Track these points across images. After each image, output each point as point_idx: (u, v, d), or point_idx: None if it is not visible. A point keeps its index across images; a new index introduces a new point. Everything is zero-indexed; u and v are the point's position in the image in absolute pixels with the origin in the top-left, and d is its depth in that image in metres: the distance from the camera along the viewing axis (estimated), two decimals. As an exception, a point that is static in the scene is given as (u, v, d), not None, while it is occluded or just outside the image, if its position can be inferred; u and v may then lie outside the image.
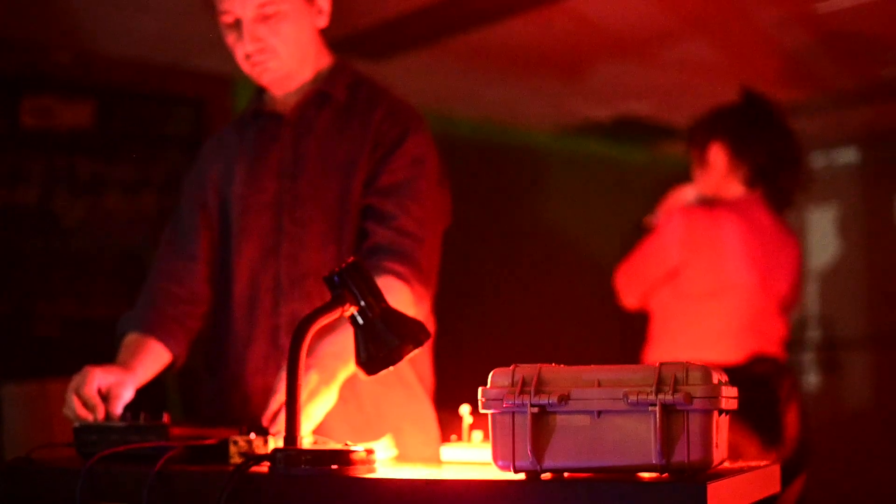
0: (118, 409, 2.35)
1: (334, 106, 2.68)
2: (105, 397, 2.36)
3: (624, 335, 4.68)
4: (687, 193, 4.13)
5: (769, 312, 3.94)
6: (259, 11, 2.54)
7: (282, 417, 2.19)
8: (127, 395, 2.39)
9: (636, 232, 4.25)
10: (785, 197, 4.04)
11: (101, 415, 2.31)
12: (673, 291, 3.96)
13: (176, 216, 2.80)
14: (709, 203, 4.01)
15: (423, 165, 2.62)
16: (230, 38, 2.60)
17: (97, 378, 2.35)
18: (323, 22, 2.66)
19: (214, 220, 2.74)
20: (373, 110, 2.66)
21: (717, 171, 4.01)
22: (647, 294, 4.05)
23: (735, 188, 3.99)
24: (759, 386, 3.74)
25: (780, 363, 3.93)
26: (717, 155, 3.99)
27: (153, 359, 2.58)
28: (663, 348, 3.95)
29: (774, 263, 3.96)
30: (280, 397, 2.22)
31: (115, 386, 2.37)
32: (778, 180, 3.99)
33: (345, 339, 2.25)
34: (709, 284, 3.89)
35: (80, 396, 2.33)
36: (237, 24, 2.56)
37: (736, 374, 3.65)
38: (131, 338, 2.60)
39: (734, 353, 3.81)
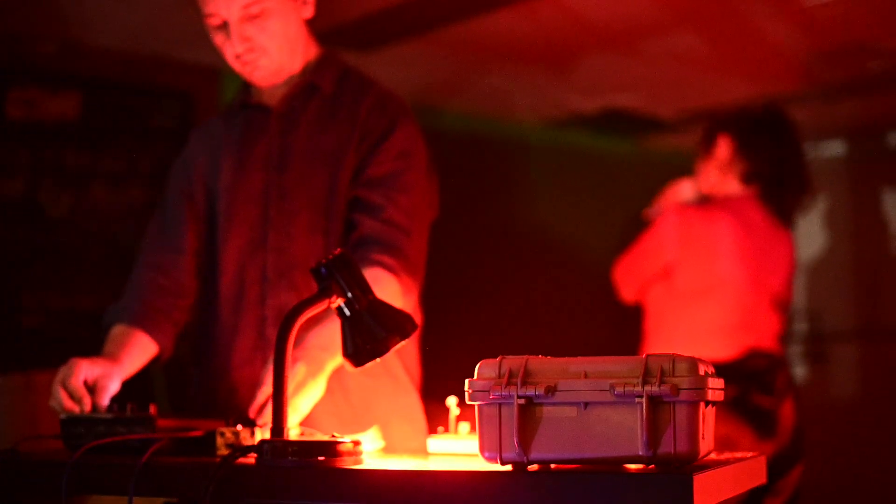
0: (105, 400, 2.35)
1: (322, 97, 2.68)
2: (92, 389, 2.36)
3: (617, 328, 4.69)
4: (684, 188, 4.17)
5: (762, 308, 3.98)
6: (245, 12, 2.53)
7: (269, 409, 2.19)
8: (113, 386, 2.38)
9: (634, 225, 4.28)
10: (789, 215, 4.11)
11: (87, 406, 2.31)
12: (667, 288, 4.02)
13: (162, 208, 2.79)
14: (703, 201, 4.07)
15: (410, 157, 2.62)
16: (218, 39, 2.59)
17: (84, 370, 2.35)
18: (309, 12, 2.66)
19: (201, 211, 2.73)
20: (360, 102, 2.65)
21: (719, 163, 4.06)
22: (643, 289, 4.11)
23: (732, 184, 4.04)
24: (753, 380, 3.77)
25: (776, 357, 3.96)
26: (723, 147, 4.06)
27: (140, 351, 2.57)
28: (659, 345, 4.00)
29: (767, 260, 4.00)
30: (267, 389, 2.22)
31: (101, 378, 2.37)
32: (783, 199, 4.06)
33: (332, 330, 2.25)
34: (701, 281, 3.94)
35: (66, 388, 2.32)
36: (224, 26, 2.56)
37: (730, 369, 3.68)
38: (118, 330, 2.59)
39: (728, 349, 3.85)
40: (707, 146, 4.12)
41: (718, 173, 4.07)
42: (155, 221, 2.79)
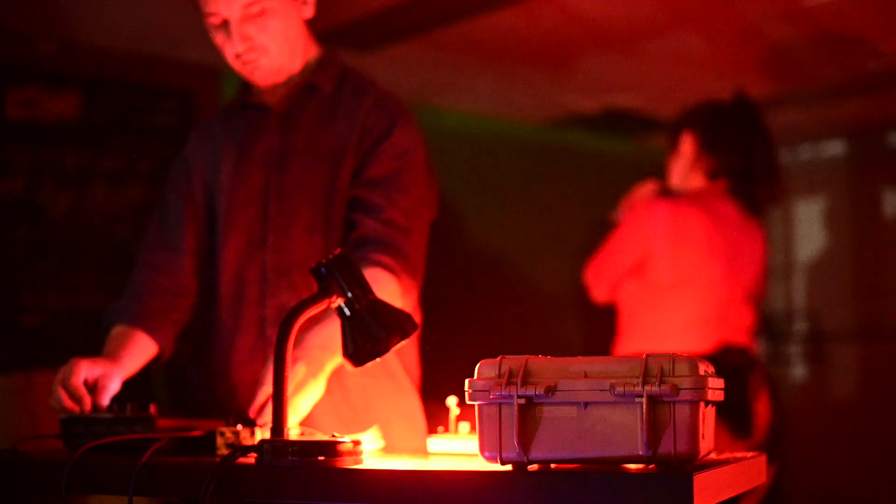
0: (105, 400, 2.35)
1: (321, 98, 2.68)
2: (92, 389, 2.36)
3: (597, 328, 4.69)
4: (649, 188, 4.17)
5: (736, 303, 3.98)
6: (245, 11, 2.53)
7: (269, 409, 2.19)
8: (114, 386, 2.39)
9: (602, 227, 4.29)
10: (759, 206, 4.10)
11: (87, 406, 2.31)
12: (639, 284, 4.01)
13: (161, 207, 2.79)
14: (671, 195, 4.06)
15: (410, 157, 2.62)
16: (218, 39, 2.59)
17: (84, 370, 2.35)
18: (309, 12, 2.66)
19: (200, 211, 2.73)
20: (360, 102, 2.66)
21: (685, 161, 4.06)
22: (615, 288, 4.10)
23: (699, 179, 4.04)
24: (728, 376, 3.76)
25: (750, 353, 3.96)
26: (686, 144, 4.06)
27: (140, 351, 2.58)
28: (632, 341, 3.99)
29: (738, 254, 4.00)
30: (267, 389, 2.22)
31: (102, 378, 2.37)
32: (753, 189, 4.05)
33: (332, 330, 2.25)
34: (673, 276, 3.93)
35: (66, 388, 2.32)
36: (225, 25, 2.56)
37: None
38: (118, 330, 2.60)
39: (702, 344, 3.84)
40: (673, 143, 4.13)
41: (686, 170, 4.07)
42: (154, 221, 2.79)
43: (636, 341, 3.96)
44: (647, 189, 4.17)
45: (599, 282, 4.15)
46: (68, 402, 2.31)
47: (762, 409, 3.84)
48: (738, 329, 3.95)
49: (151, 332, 2.61)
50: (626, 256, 4.03)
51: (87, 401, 2.32)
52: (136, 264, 2.74)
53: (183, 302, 2.71)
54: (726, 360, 3.82)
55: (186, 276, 2.72)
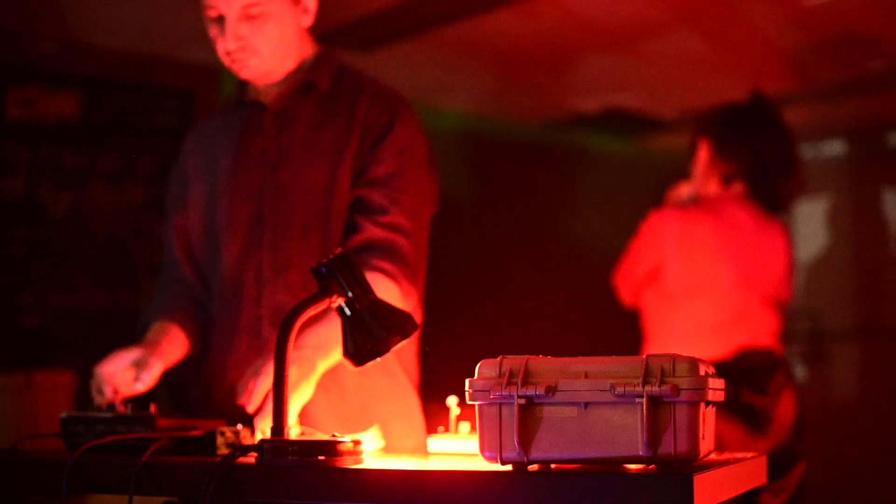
0: (147, 376, 2.39)
1: (318, 95, 2.67)
2: (137, 368, 2.39)
3: (616, 328, 4.70)
4: (681, 191, 4.19)
5: (755, 306, 3.98)
6: (244, 11, 2.52)
7: (258, 396, 2.20)
8: (155, 365, 2.42)
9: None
10: (778, 201, 4.09)
11: (110, 396, 2.34)
12: (656, 291, 4.05)
13: (166, 221, 2.81)
14: (684, 203, 4.09)
15: (411, 153, 2.62)
16: (213, 31, 2.59)
17: (115, 360, 2.39)
18: (308, 21, 2.65)
19: (200, 215, 2.73)
20: (358, 98, 2.65)
21: (701, 167, 4.08)
22: (637, 292, 4.14)
23: (713, 185, 4.05)
24: (745, 379, 3.77)
25: (774, 355, 3.96)
26: (703, 150, 4.07)
27: (178, 342, 2.61)
28: (654, 346, 4.01)
29: (754, 258, 4.00)
30: (265, 381, 2.21)
31: (142, 359, 2.42)
32: (770, 185, 4.04)
33: (327, 331, 2.26)
34: (686, 283, 3.96)
35: (94, 380, 2.35)
36: (220, 20, 2.55)
37: (722, 368, 3.69)
38: (155, 325, 2.62)
39: (720, 349, 3.85)
40: (692, 149, 4.15)
41: (702, 177, 4.09)
42: (165, 237, 2.80)
43: (657, 346, 3.99)
44: (678, 192, 4.19)
45: (624, 286, 4.20)
46: (96, 395, 2.34)
47: (785, 410, 3.85)
48: (761, 332, 3.96)
49: (185, 329, 2.64)
50: (641, 265, 4.08)
51: (109, 390, 2.35)
52: (160, 279, 2.78)
53: (203, 312, 2.72)
54: (746, 364, 3.84)
55: (200, 286, 2.74)
